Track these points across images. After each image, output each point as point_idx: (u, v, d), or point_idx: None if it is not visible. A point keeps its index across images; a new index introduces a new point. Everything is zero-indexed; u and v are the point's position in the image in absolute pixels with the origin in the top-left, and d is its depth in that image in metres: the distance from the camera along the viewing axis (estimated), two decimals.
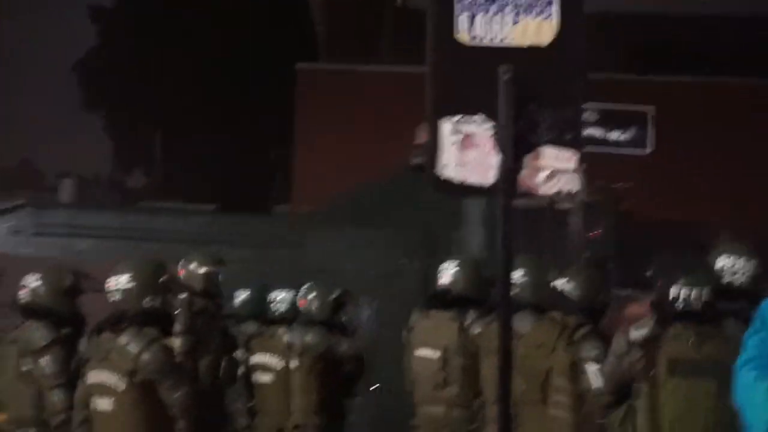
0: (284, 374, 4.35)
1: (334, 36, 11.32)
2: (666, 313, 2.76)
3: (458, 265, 3.99)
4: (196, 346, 2.79)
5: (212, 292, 3.97)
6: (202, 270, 3.98)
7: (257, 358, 4.45)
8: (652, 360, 2.74)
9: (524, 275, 3.56)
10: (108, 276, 2.74)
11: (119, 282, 2.64)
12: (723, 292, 2.85)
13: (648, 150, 8.69)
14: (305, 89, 10.70)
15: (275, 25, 16.64)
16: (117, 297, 2.65)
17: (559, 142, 2.15)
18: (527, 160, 2.16)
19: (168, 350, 2.57)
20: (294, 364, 4.26)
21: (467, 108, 2.16)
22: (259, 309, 4.61)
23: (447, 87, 2.21)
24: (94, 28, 22.05)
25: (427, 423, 4.05)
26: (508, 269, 2.28)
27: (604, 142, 8.44)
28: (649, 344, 2.76)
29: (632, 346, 2.83)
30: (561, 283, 3.40)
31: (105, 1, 22.20)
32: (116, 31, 21.18)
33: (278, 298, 4.54)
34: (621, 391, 2.88)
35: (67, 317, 3.29)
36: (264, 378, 4.47)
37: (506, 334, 2.20)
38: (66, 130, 25.12)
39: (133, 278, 2.64)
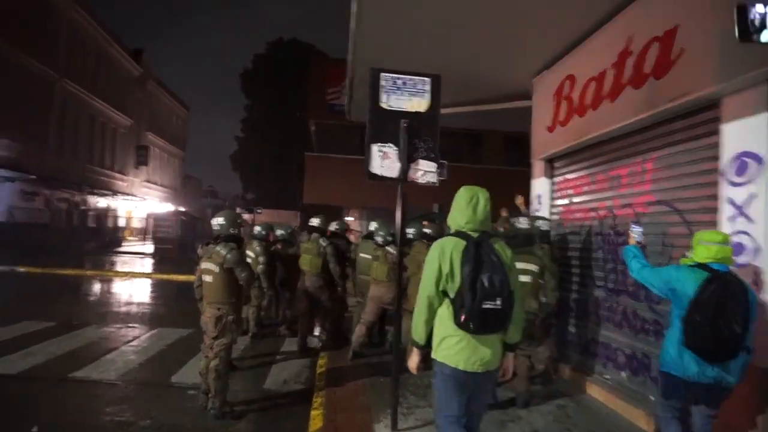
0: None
1: (318, 138, 23.75)
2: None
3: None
4: None
5: None
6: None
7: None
8: None
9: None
10: None
11: None
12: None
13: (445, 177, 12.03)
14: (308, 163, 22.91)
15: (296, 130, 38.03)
16: None
17: (427, 158, 4.41)
18: (412, 165, 4.38)
19: None
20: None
21: (385, 139, 4.33)
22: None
23: (376, 129, 4.35)
24: None
25: None
26: (404, 224, 4.49)
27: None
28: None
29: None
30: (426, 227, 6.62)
31: None
32: None
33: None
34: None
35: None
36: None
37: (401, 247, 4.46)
38: None
39: None
